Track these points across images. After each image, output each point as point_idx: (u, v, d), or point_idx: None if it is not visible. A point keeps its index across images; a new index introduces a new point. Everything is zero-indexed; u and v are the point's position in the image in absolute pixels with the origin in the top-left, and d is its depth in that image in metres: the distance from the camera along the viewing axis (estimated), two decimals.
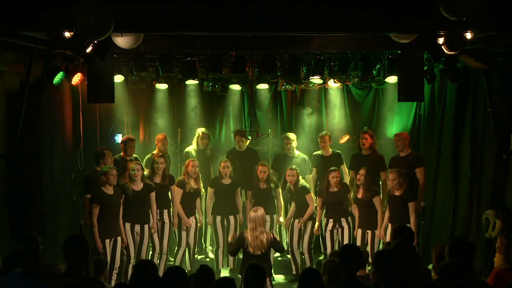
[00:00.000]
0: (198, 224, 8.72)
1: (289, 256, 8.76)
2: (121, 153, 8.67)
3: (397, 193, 7.86)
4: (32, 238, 4.65)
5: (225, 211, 8.64)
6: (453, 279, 4.60)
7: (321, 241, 8.71)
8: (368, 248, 7.91)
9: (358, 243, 8.03)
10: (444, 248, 5.28)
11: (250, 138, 9.00)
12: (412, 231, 6.14)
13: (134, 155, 8.72)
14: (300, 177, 8.51)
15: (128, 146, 8.60)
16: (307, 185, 8.59)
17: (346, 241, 8.25)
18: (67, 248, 4.50)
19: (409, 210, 7.83)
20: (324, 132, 9.12)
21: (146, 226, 8.05)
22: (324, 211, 8.48)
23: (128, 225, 7.93)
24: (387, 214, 8.00)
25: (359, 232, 8.17)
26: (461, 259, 4.80)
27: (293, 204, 8.63)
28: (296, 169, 8.47)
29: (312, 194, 8.64)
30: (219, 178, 8.67)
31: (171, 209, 8.44)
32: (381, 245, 8.09)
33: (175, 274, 4.55)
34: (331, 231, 8.35)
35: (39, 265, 4.74)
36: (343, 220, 8.34)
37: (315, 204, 8.53)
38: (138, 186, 7.97)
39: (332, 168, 8.42)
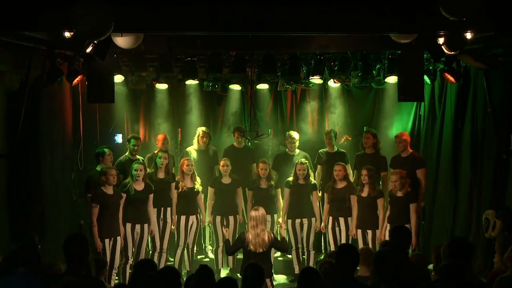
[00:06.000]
0: (202, 224, 8.73)
1: (290, 256, 8.75)
2: (126, 153, 8.67)
3: (399, 194, 7.86)
4: (29, 237, 4.65)
5: (225, 211, 8.63)
6: (452, 280, 4.60)
7: (323, 239, 8.71)
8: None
9: (360, 244, 8.00)
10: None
11: (249, 139, 9.01)
12: (409, 231, 6.14)
13: (137, 156, 8.71)
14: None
15: (133, 145, 8.60)
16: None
17: (343, 241, 8.22)
18: (67, 248, 4.51)
19: (410, 211, 7.83)
20: (330, 129, 9.22)
21: (146, 226, 8.05)
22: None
23: (128, 225, 7.94)
24: (387, 213, 8.01)
25: (359, 233, 8.14)
26: (460, 259, 4.80)
27: (286, 202, 8.61)
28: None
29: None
30: (219, 177, 8.69)
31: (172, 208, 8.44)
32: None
33: (167, 274, 4.57)
34: (333, 229, 8.36)
35: (40, 264, 4.75)
36: (342, 220, 8.32)
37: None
38: (140, 186, 8.01)
39: (337, 162, 8.45)
